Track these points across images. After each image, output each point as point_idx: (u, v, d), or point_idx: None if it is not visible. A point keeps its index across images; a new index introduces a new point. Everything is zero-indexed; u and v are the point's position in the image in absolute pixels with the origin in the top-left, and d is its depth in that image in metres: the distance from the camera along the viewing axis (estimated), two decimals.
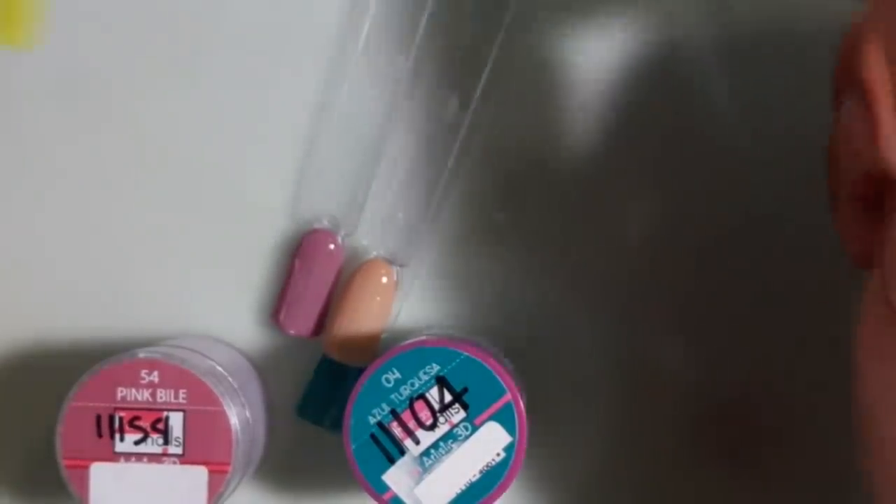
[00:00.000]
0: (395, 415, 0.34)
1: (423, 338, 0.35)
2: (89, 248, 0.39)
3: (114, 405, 0.34)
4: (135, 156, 0.39)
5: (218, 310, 0.39)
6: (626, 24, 0.38)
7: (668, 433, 0.39)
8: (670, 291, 0.39)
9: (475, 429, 0.34)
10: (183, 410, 0.34)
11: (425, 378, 0.34)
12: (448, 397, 0.34)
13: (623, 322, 0.39)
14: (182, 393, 0.34)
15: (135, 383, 0.34)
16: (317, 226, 0.39)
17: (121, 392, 0.34)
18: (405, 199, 0.39)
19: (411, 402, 0.34)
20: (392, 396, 0.34)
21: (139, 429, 0.34)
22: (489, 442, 0.34)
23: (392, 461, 0.34)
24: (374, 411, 0.34)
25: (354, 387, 0.34)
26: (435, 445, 0.34)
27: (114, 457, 0.34)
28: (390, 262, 0.39)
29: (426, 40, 0.38)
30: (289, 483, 0.40)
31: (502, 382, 0.34)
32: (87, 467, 0.34)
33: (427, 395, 0.34)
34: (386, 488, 0.34)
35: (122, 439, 0.34)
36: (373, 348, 0.38)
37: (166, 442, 0.34)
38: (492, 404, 0.34)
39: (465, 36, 0.38)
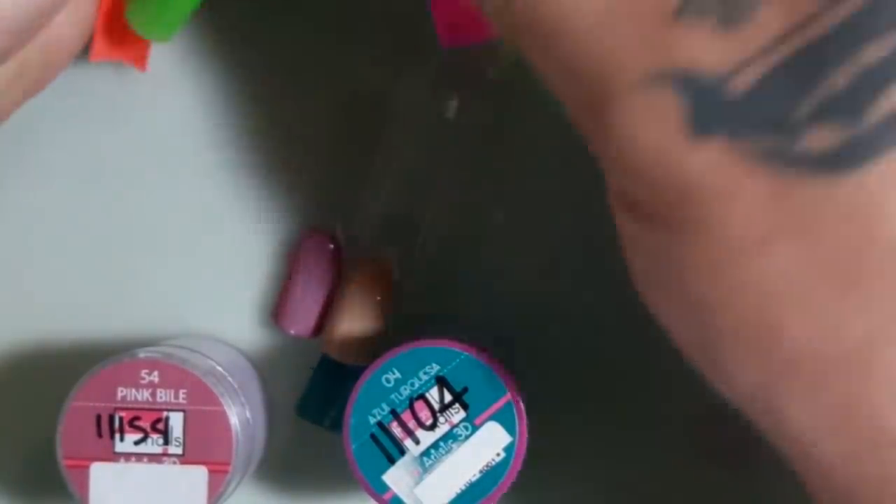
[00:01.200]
0: (395, 415, 0.34)
1: (423, 338, 0.35)
2: (89, 248, 0.39)
3: (114, 405, 0.34)
4: (135, 155, 0.39)
5: (218, 310, 0.39)
6: None
7: (667, 433, 0.39)
8: None
9: (475, 429, 0.34)
10: (183, 410, 0.34)
11: (425, 378, 0.34)
12: (448, 397, 0.34)
13: (623, 322, 0.39)
14: (182, 393, 0.34)
15: (135, 383, 0.34)
16: (317, 226, 0.39)
17: (121, 392, 0.34)
18: (405, 198, 0.39)
19: (411, 402, 0.34)
20: (392, 396, 0.34)
21: (139, 429, 0.34)
22: (489, 442, 0.34)
23: (392, 461, 0.34)
24: (374, 411, 0.34)
25: (354, 387, 0.34)
26: (435, 445, 0.34)
27: (114, 457, 0.34)
28: (390, 262, 0.39)
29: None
30: (289, 483, 0.40)
31: (502, 382, 0.34)
32: (87, 467, 0.34)
33: (427, 395, 0.34)
34: (386, 488, 0.34)
35: (122, 439, 0.34)
36: (373, 348, 0.38)
37: (166, 442, 0.34)
38: (492, 404, 0.34)
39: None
